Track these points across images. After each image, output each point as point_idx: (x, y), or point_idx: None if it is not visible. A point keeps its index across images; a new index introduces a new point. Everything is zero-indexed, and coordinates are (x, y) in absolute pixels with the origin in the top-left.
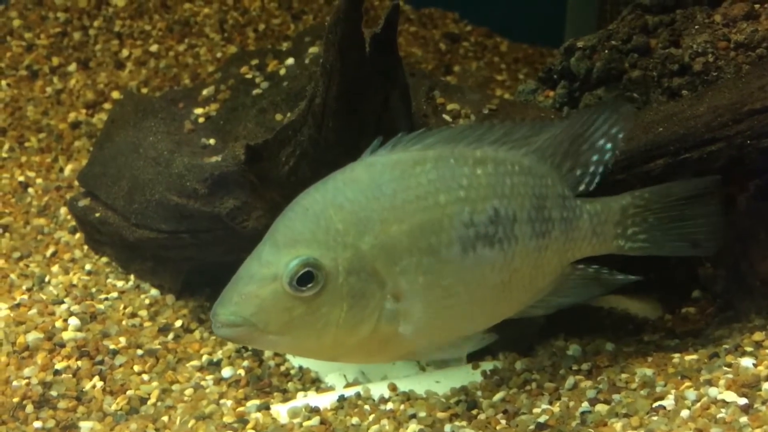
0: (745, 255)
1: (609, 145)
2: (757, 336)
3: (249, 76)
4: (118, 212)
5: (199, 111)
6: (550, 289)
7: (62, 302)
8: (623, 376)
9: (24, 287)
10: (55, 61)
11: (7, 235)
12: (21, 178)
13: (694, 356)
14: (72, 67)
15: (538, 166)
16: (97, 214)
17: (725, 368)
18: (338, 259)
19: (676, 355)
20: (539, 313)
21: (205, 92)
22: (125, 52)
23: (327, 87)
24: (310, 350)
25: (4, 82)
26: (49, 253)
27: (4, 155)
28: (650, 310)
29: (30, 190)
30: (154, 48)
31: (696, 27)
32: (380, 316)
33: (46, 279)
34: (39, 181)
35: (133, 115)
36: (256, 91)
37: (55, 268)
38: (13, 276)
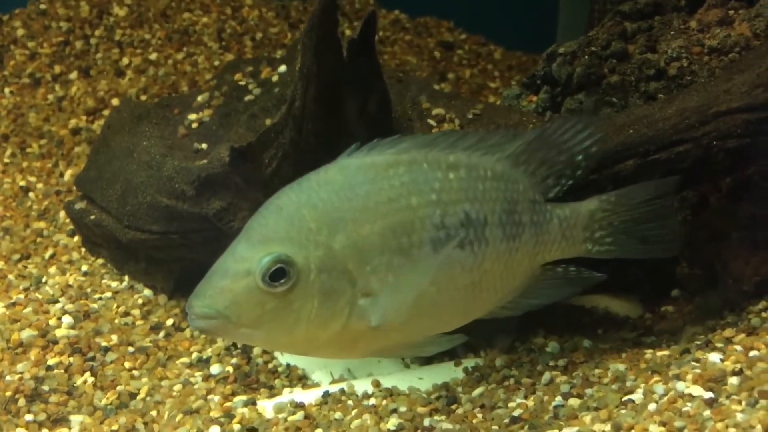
0: (718, 254)
1: (581, 157)
2: (728, 332)
3: (242, 82)
4: (112, 215)
5: (192, 117)
6: (521, 290)
7: (57, 301)
8: (597, 371)
9: (21, 287)
10: (57, 69)
11: (7, 237)
12: (22, 183)
13: (666, 352)
14: (73, 75)
15: (510, 172)
16: (93, 217)
17: (693, 363)
18: (310, 257)
19: (649, 351)
20: (510, 313)
21: (200, 98)
22: (125, 61)
23: (305, 90)
24: (282, 344)
25: (7, 90)
26: (47, 255)
27: (6, 160)
28: (631, 308)
29: (31, 194)
30: (153, 56)
31: (672, 33)
32: (351, 313)
33: (44, 279)
34: (39, 185)
35: (129, 120)
36: (248, 98)
37: (52, 269)
38: (11, 276)
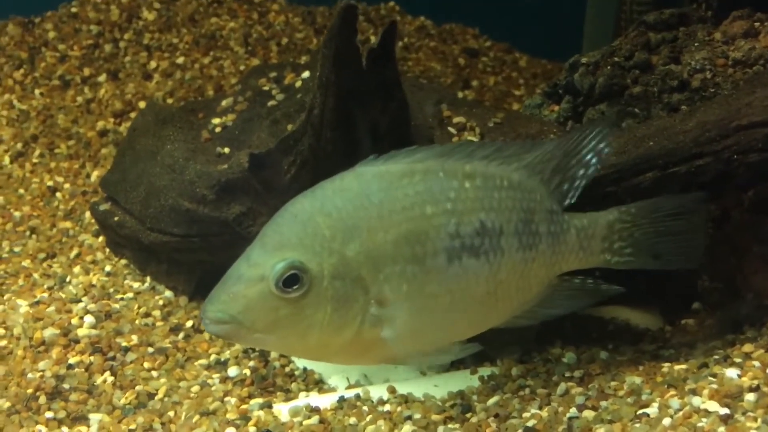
0: (739, 268)
1: (594, 160)
2: (747, 347)
3: (266, 88)
4: (135, 216)
5: (216, 121)
6: (537, 300)
7: (80, 301)
8: (613, 383)
9: (45, 286)
10: (87, 71)
11: (33, 236)
12: (50, 183)
13: (684, 366)
14: (102, 77)
15: (527, 182)
16: (116, 218)
17: (710, 378)
18: (324, 264)
19: (667, 364)
20: (526, 323)
21: (224, 103)
22: (153, 64)
23: (324, 99)
24: (295, 349)
25: (37, 91)
26: (72, 254)
27: (35, 161)
28: (651, 321)
29: (58, 194)
30: (180, 60)
31: (696, 44)
32: (363, 321)
33: (68, 279)
34: (67, 186)
35: (154, 123)
36: (271, 103)
37: (76, 269)
38: (36, 275)
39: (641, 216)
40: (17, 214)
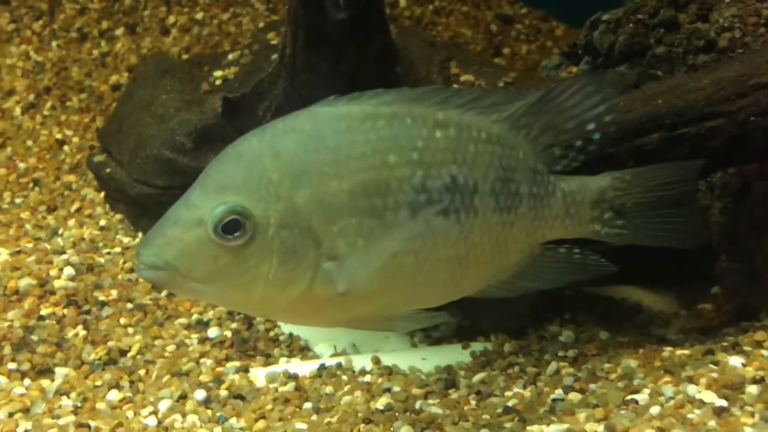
0: (760, 247)
1: (592, 126)
2: (760, 335)
3: (274, 42)
4: (124, 167)
5: (218, 74)
6: (516, 270)
7: (64, 253)
8: (607, 366)
9: (34, 237)
10: (105, 24)
11: (36, 189)
12: (58, 136)
13: (687, 351)
14: (119, 31)
15: (508, 136)
16: (108, 170)
17: (712, 366)
18: (269, 211)
19: (669, 349)
20: (503, 294)
21: (230, 56)
22: (171, 19)
23: (294, 36)
24: (238, 304)
25: (54, 43)
26: (73, 208)
27: (46, 113)
28: (665, 303)
29: (65, 147)
30: (199, 15)
31: (726, 1)
32: (314, 277)
33: (60, 231)
34: (75, 139)
35: (154, 74)
36: (275, 56)
37: (71, 222)
38: (28, 226)
39: (636, 184)
40: (22, 165)
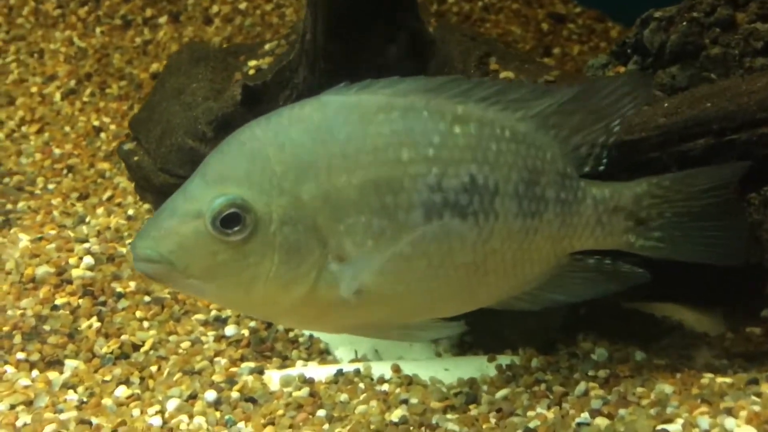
0: None
1: (619, 128)
2: None
3: None
4: (151, 156)
5: (252, 63)
6: (541, 281)
7: (86, 241)
8: (639, 390)
9: (60, 224)
10: (149, 12)
11: (70, 175)
12: (96, 123)
13: (728, 379)
14: (163, 19)
15: (535, 135)
16: (136, 158)
17: (754, 397)
18: (272, 205)
19: (709, 375)
20: (527, 307)
21: (267, 47)
22: (215, 8)
23: (314, 20)
24: (237, 303)
25: (98, 30)
26: (105, 196)
27: (85, 99)
28: (710, 325)
29: (102, 134)
30: (243, 5)
31: None
32: (319, 278)
33: (87, 219)
34: (112, 127)
35: (187, 62)
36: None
37: (100, 210)
38: (55, 213)
39: (674, 190)
40: (58, 151)
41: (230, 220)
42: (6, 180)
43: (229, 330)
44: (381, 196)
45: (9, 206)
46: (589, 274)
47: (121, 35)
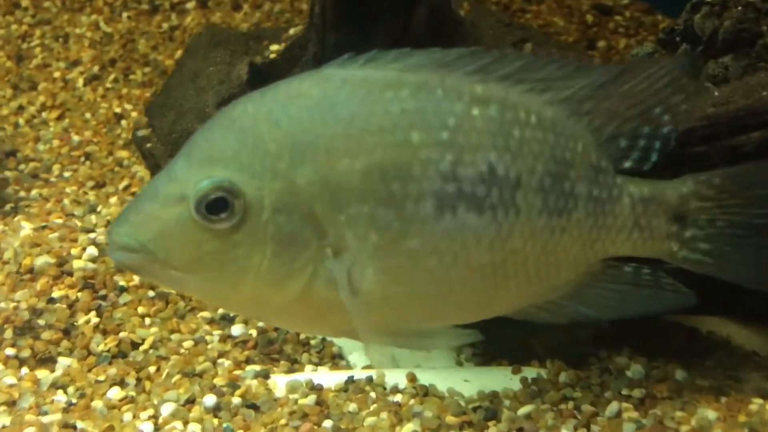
0: None
1: (666, 117)
2: None
3: None
4: (162, 142)
5: (274, 47)
6: (568, 289)
7: (92, 231)
8: (678, 414)
9: (68, 213)
10: None
11: (87, 163)
12: (117, 110)
13: None
14: (191, 4)
15: (565, 122)
16: (149, 145)
17: None
18: (264, 190)
19: (757, 401)
20: (547, 319)
21: (291, 31)
22: None
23: None
24: (223, 299)
25: (125, 14)
26: (121, 186)
27: (108, 85)
28: (761, 342)
29: (123, 122)
30: None
31: None
32: (315, 274)
33: (98, 209)
34: (134, 114)
35: (206, 45)
36: None
37: (113, 200)
38: (66, 201)
39: (728, 191)
40: (76, 138)
41: (217, 205)
42: (21, 167)
43: (236, 329)
44: (387, 184)
45: (22, 193)
46: (623, 286)
47: (147, 20)
